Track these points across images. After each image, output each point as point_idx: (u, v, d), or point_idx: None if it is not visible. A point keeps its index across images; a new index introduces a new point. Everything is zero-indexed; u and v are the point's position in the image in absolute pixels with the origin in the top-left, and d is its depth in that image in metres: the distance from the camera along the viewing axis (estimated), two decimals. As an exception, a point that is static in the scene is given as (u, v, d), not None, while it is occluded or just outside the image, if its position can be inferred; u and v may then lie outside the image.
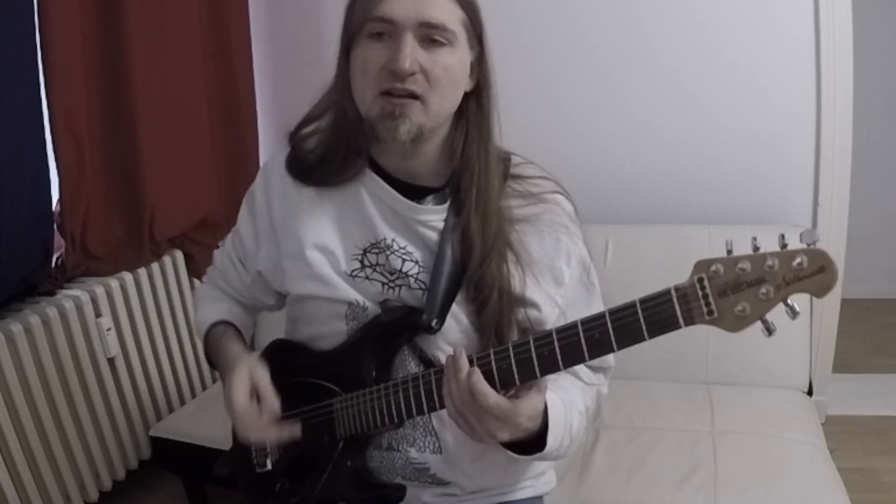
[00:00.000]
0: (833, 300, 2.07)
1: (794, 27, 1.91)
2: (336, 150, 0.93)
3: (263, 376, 0.92)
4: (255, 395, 0.91)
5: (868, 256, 2.89)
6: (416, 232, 0.92)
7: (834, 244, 2.00)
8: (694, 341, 1.81)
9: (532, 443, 0.84)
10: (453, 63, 0.85)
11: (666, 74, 2.04)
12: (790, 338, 1.79)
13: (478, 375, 0.77)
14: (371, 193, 0.93)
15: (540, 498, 1.06)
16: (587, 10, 2.06)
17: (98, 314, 1.83)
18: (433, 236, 0.91)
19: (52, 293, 1.78)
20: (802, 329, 1.80)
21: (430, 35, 0.82)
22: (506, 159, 0.96)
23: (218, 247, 1.13)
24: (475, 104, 0.91)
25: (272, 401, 0.90)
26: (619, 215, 2.03)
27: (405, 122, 0.84)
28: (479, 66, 0.89)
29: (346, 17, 0.89)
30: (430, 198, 0.93)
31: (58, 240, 1.80)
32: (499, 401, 0.77)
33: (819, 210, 2.00)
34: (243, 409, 0.89)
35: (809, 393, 1.79)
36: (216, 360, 1.03)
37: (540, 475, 1.06)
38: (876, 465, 1.97)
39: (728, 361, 1.80)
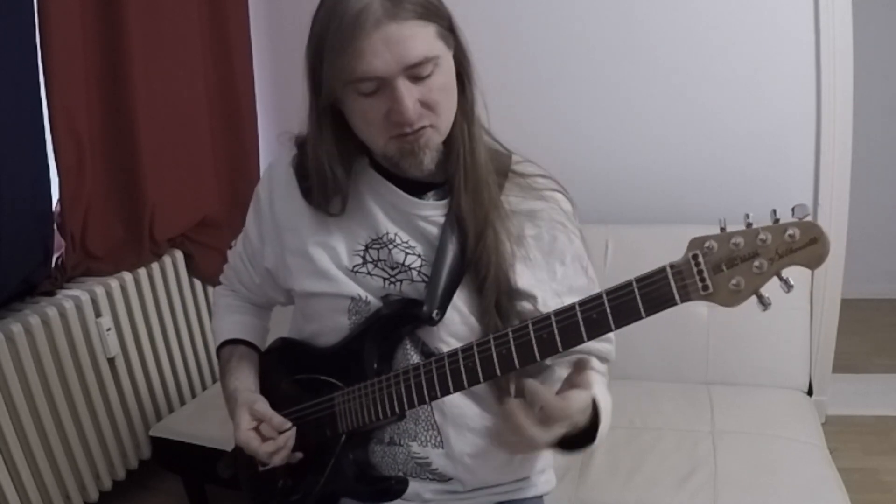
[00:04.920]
0: (833, 300, 2.07)
1: (794, 28, 1.91)
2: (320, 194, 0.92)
3: (261, 407, 0.96)
4: (259, 423, 0.94)
5: (868, 256, 2.89)
6: (418, 227, 0.93)
7: (834, 244, 1.98)
8: (694, 341, 1.80)
9: (579, 438, 0.83)
10: (444, 79, 0.85)
11: (666, 74, 2.04)
12: (790, 338, 1.79)
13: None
14: (372, 190, 0.94)
15: (540, 498, 1.06)
16: (587, 10, 2.06)
17: (98, 314, 1.83)
18: (434, 231, 0.92)
19: (52, 293, 1.78)
20: (802, 329, 1.80)
21: (419, 73, 0.81)
22: (507, 156, 0.97)
23: (230, 246, 1.15)
24: (459, 88, 0.89)
25: (276, 419, 0.94)
26: (619, 215, 2.03)
27: (426, 155, 0.86)
28: (458, 53, 0.88)
29: (315, 73, 0.84)
30: (430, 193, 0.93)
31: (58, 240, 1.80)
32: (552, 400, 0.76)
33: (819, 210, 2.00)
34: (254, 442, 0.93)
35: (809, 393, 1.79)
36: (222, 387, 1.06)
37: (540, 473, 1.06)
38: (876, 465, 1.97)
39: (728, 361, 1.80)
